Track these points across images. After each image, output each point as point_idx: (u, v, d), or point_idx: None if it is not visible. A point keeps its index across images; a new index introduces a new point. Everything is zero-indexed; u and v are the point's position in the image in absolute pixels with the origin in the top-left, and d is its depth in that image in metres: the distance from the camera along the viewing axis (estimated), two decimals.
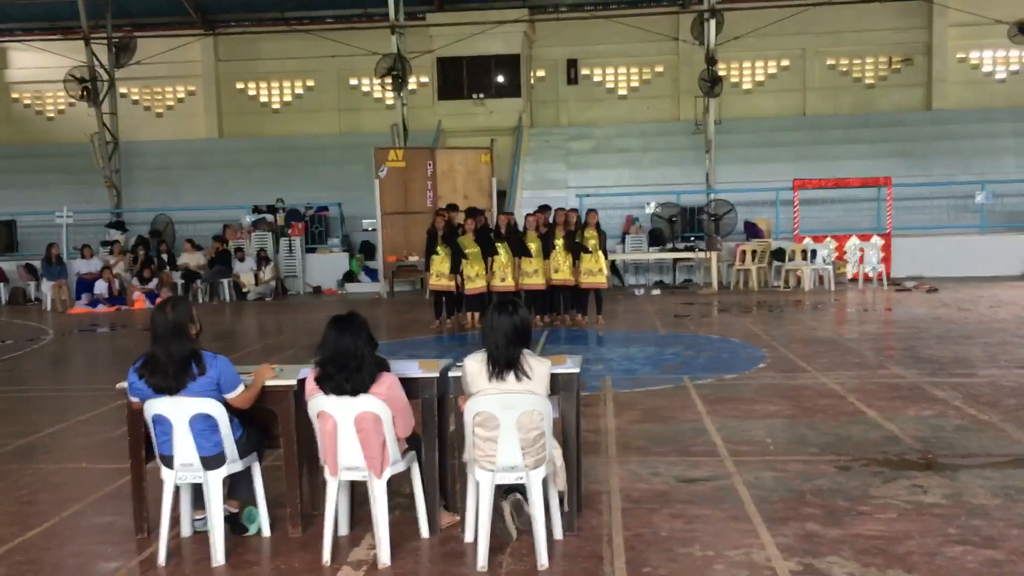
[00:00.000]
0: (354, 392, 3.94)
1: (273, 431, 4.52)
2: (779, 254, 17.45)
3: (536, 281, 12.11)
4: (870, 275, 17.14)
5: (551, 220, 12.50)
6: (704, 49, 20.27)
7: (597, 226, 12.20)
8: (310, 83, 25.57)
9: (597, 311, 12.39)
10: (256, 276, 18.54)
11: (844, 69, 24.33)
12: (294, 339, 12.00)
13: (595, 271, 12.09)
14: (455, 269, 11.92)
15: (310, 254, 19.81)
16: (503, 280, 11.95)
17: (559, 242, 12.09)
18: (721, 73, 21.31)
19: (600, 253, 12.10)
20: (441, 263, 12.02)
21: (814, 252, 16.88)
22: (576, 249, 12.05)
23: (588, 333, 11.63)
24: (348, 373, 3.93)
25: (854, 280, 17.39)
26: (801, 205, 18.58)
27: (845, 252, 17.81)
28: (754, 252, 17.28)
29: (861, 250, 17.49)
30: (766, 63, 24.58)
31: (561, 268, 12.10)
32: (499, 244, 12.00)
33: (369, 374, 3.96)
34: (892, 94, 24.00)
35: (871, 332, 10.92)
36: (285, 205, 20.46)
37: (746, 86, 24.63)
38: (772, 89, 24.43)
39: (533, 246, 12.10)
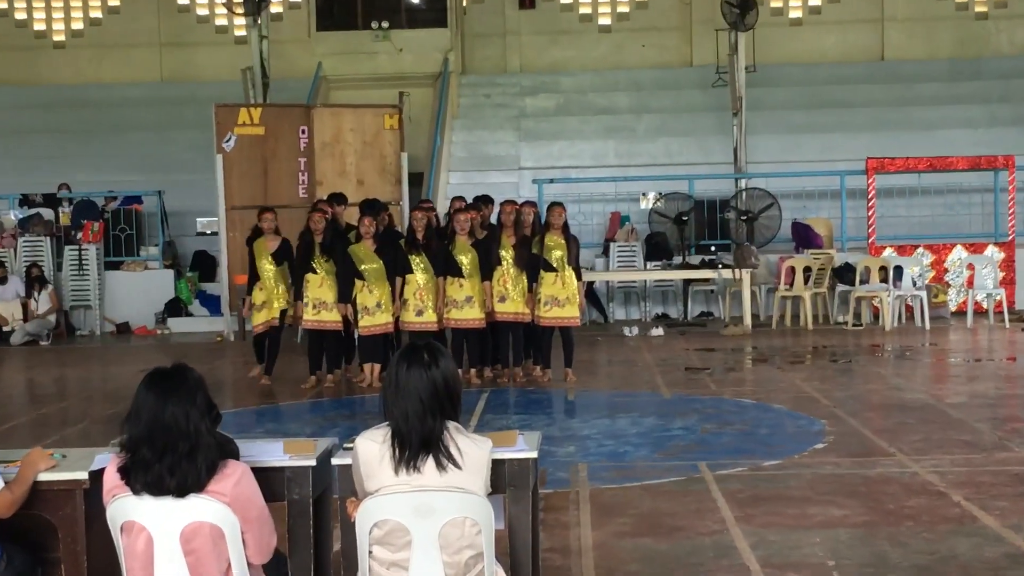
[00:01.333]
0: (181, 491, 3.89)
1: (49, 552, 4.46)
2: (845, 273, 17.67)
3: (470, 315, 12.10)
4: (984, 305, 17.46)
5: (494, 220, 12.52)
6: None
7: (565, 229, 12.26)
8: (114, 2, 25.35)
9: (566, 362, 12.42)
10: (25, 307, 18.27)
11: None
12: (85, 407, 11.77)
13: (562, 299, 12.11)
14: (344, 297, 11.90)
15: (112, 272, 19.59)
16: (419, 313, 11.93)
17: (506, 254, 12.13)
18: None
19: (570, 271, 12.15)
20: (320, 287, 12.00)
21: (899, 270, 17.09)
22: (533, 265, 12.10)
23: (551, 396, 11.63)
24: (173, 461, 3.87)
25: (959, 313, 17.69)
26: (879, 198, 18.86)
27: (946, 270, 18.11)
28: (808, 270, 17.48)
29: (970, 267, 17.78)
30: None
31: (510, 295, 12.11)
32: (413, 256, 12.00)
33: (206, 462, 3.91)
34: (1015, 29, 24.57)
35: (986, 393, 11.08)
36: (72, 194, 20.21)
37: (793, 14, 25.04)
38: (833, 19, 24.84)
39: (466, 259, 12.10)
